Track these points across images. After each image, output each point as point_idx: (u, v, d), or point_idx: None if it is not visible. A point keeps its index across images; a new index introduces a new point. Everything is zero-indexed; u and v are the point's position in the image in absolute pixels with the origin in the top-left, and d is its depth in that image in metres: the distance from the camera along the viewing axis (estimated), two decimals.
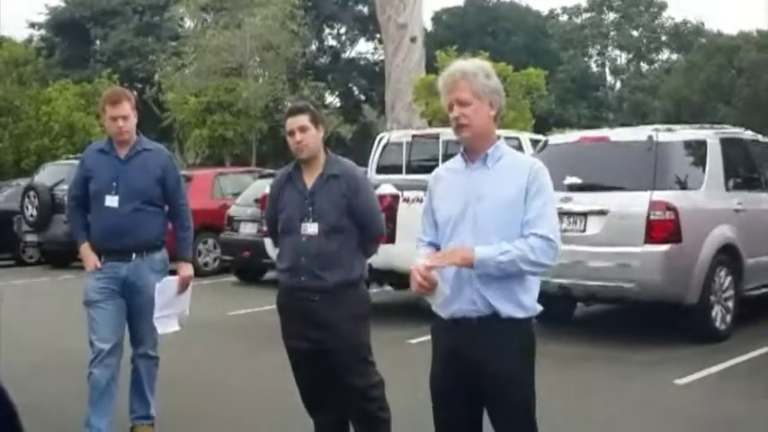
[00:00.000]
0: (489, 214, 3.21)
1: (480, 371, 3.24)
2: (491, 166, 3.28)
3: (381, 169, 12.60)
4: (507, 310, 3.22)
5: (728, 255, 8.14)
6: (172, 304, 5.20)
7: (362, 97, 44.41)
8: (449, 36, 37.28)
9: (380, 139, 13.24)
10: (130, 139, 5.14)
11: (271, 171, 14.42)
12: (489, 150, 3.29)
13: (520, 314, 3.25)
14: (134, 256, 5.08)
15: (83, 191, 5.19)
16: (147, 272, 5.10)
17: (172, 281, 5.22)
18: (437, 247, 3.38)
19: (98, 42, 39.42)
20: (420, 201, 8.59)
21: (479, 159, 3.30)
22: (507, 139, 10.34)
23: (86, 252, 5.15)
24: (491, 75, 3.31)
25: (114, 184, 5.05)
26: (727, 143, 8.71)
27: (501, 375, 3.22)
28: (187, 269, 5.29)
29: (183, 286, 5.26)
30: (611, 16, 50.57)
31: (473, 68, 3.29)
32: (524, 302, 3.26)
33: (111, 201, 5.04)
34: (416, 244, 3.49)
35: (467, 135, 3.29)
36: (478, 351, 3.22)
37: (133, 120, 5.12)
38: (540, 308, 3.32)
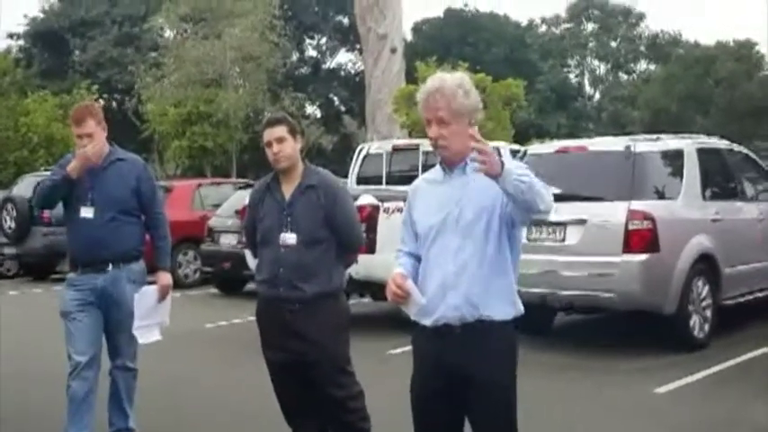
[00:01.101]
0: (468, 219, 3.23)
1: (463, 377, 3.24)
2: (470, 173, 3.27)
3: (362, 180, 12.61)
4: (498, 312, 3.24)
5: (706, 264, 8.19)
6: (152, 314, 5.17)
7: (343, 108, 44.45)
8: (429, 47, 37.36)
9: (360, 150, 13.25)
10: (102, 153, 5.11)
11: (251, 182, 14.39)
12: (469, 159, 3.27)
13: (510, 315, 3.27)
14: (111, 266, 5.04)
15: None
16: (125, 283, 5.07)
17: (151, 290, 5.19)
18: (417, 258, 3.39)
19: (77, 53, 39.23)
20: (400, 211, 8.60)
21: (459, 168, 3.31)
22: None
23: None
24: (469, 91, 3.29)
25: (89, 195, 5.03)
26: (704, 153, 8.78)
27: (484, 382, 3.22)
28: (166, 278, 5.26)
29: (163, 295, 5.24)
30: (590, 27, 50.92)
31: (451, 87, 3.25)
32: (514, 303, 3.29)
33: (87, 212, 5.01)
34: (396, 254, 3.49)
35: (445, 154, 3.31)
36: (461, 357, 3.23)
37: (101, 134, 5.07)
38: (522, 308, 3.33)
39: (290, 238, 4.23)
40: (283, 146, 4.26)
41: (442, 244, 3.27)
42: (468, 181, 3.27)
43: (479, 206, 3.23)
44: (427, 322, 3.30)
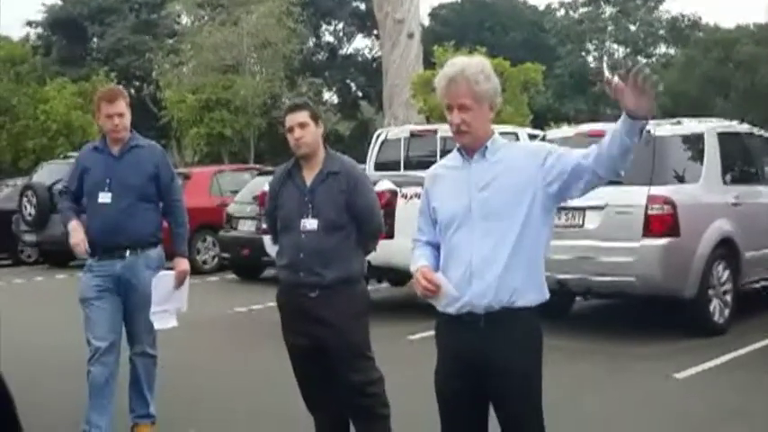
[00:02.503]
0: (496, 204, 3.17)
1: (488, 366, 3.19)
2: (491, 158, 3.24)
3: (379, 166, 12.59)
4: (524, 300, 3.17)
5: (726, 248, 8.15)
6: (169, 299, 5.17)
7: (360, 94, 44.42)
8: (446, 32, 37.26)
9: (378, 136, 13.24)
10: (125, 137, 5.15)
11: (269, 168, 14.41)
12: (488, 143, 3.25)
13: (535, 302, 3.21)
14: (128, 252, 5.06)
15: (77, 186, 5.20)
16: (143, 269, 5.08)
17: (168, 275, 5.19)
18: (435, 246, 3.35)
19: (95, 40, 39.39)
20: (418, 197, 8.56)
21: (478, 153, 3.25)
22: (505, 134, 10.34)
23: (75, 228, 5.06)
24: (490, 76, 3.24)
25: (107, 180, 5.05)
26: (724, 137, 8.71)
27: (508, 369, 3.17)
28: (183, 264, 5.27)
29: (180, 281, 5.25)
30: (609, 11, 50.45)
31: (473, 71, 3.20)
32: (541, 289, 3.23)
33: (104, 197, 5.04)
34: (413, 244, 3.44)
35: (466, 140, 3.24)
36: (486, 346, 3.18)
37: (128, 117, 5.12)
38: (548, 294, 3.28)
39: (310, 223, 4.23)
40: (305, 131, 4.25)
41: (466, 230, 3.21)
42: (491, 166, 3.22)
43: (507, 191, 3.17)
44: (451, 310, 3.24)
